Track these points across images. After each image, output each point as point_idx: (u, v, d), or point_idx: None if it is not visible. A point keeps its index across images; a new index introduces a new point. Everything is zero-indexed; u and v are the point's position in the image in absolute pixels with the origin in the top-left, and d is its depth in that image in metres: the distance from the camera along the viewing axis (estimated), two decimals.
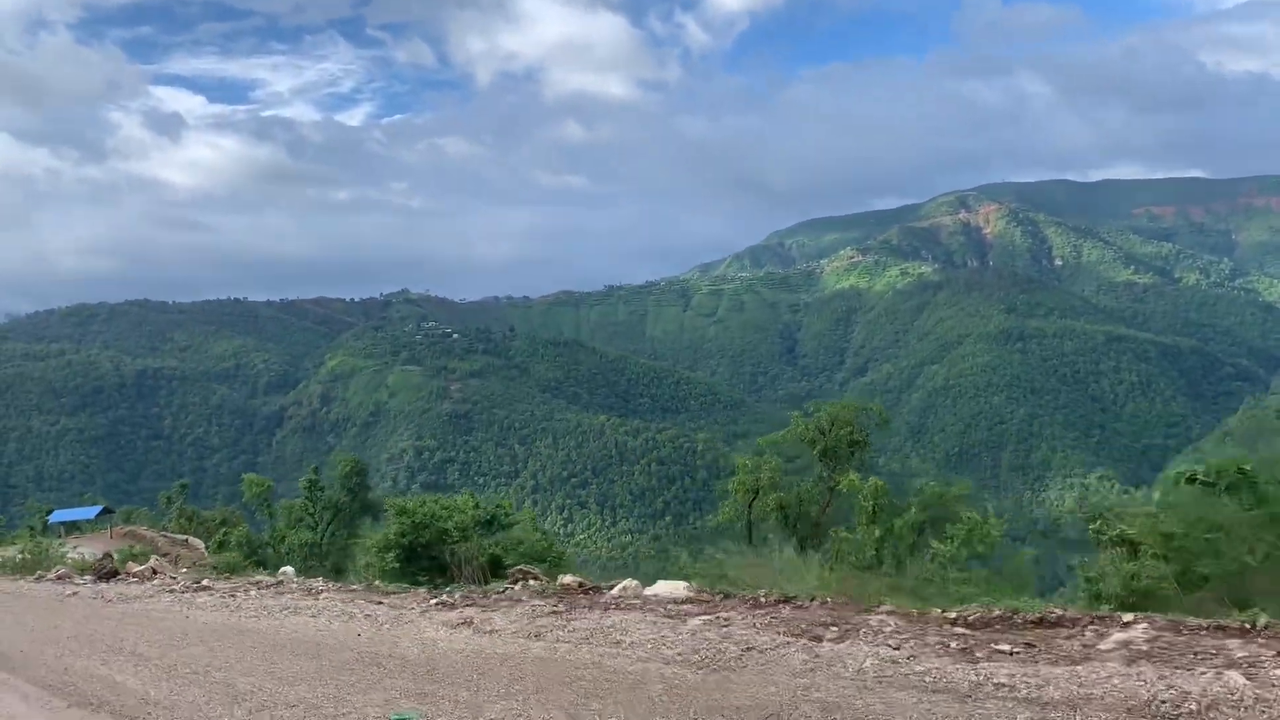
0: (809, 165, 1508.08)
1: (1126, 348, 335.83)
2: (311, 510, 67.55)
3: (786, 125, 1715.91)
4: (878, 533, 34.48)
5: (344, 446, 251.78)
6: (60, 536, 59.34)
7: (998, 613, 10.86)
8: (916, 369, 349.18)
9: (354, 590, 17.95)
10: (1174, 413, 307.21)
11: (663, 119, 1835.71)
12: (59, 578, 23.75)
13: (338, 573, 46.31)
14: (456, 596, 15.38)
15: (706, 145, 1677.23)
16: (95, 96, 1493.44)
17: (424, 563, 26.33)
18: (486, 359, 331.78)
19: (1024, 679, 7.56)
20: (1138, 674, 7.35)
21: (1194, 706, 6.69)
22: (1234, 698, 6.78)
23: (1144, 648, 8.06)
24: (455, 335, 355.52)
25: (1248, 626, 8.85)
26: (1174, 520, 12.75)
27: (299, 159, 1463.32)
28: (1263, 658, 7.66)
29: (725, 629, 10.39)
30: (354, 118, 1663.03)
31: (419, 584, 20.69)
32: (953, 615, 10.97)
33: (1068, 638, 8.75)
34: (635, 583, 14.71)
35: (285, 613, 15.16)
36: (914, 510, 35.53)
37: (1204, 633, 8.98)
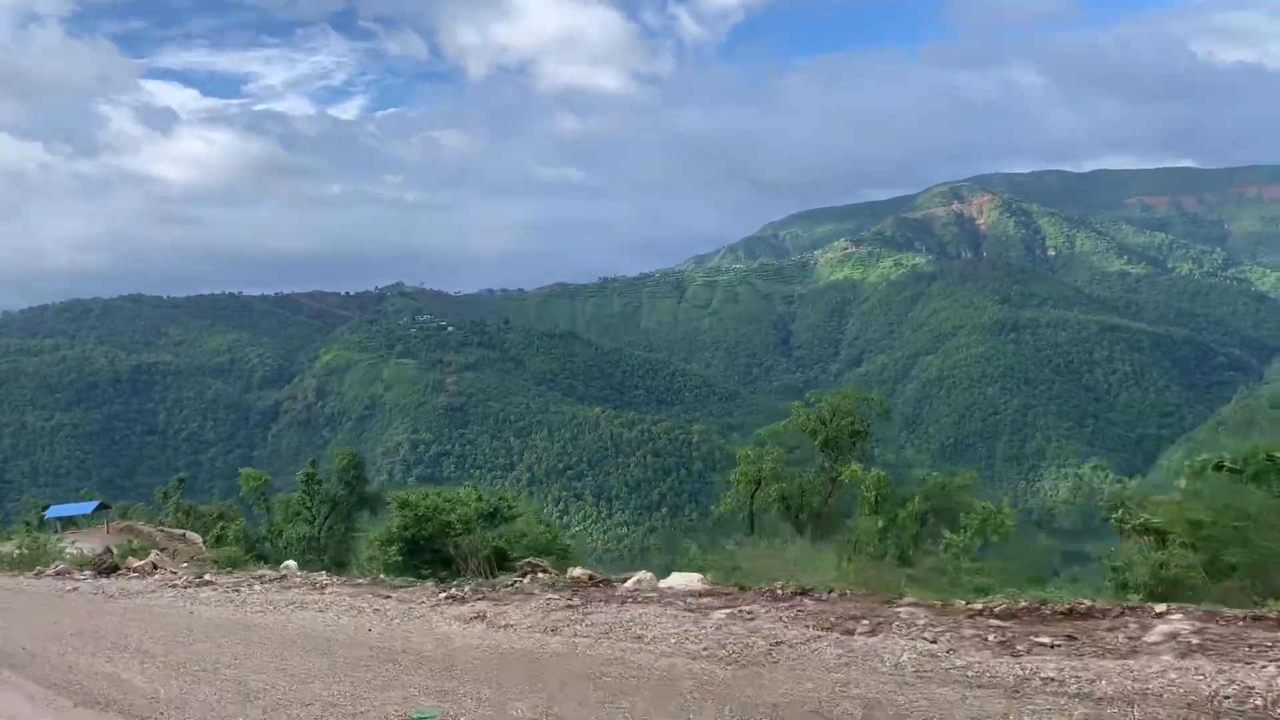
0: (802, 157, 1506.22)
1: (1120, 338, 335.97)
2: (309, 504, 67.31)
3: (780, 117, 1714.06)
4: (881, 523, 34.34)
5: (339, 440, 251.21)
6: (57, 532, 59.00)
7: (1024, 604, 10.58)
8: (911, 360, 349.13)
9: (360, 584, 17.65)
10: (1167, 402, 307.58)
11: (656, 111, 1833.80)
12: (58, 573, 23.42)
13: (337, 566, 46.06)
14: (466, 590, 15.08)
15: (700, 137, 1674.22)
16: (87, 91, 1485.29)
17: (427, 556, 26.06)
18: (481, 352, 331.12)
19: (1073, 673, 7.28)
20: (1195, 668, 7.07)
21: (1260, 702, 6.42)
22: None
23: (1194, 640, 7.78)
24: (450, 328, 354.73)
25: None
26: (1202, 508, 12.49)
27: (292, 153, 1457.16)
28: None
29: (750, 623, 10.11)
30: (347, 111, 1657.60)
31: (423, 577, 20.39)
32: (979, 606, 10.70)
33: (1110, 630, 8.47)
34: (650, 575, 14.42)
35: (291, 608, 14.86)
36: (917, 500, 35.39)
37: (1241, 623, 8.72)
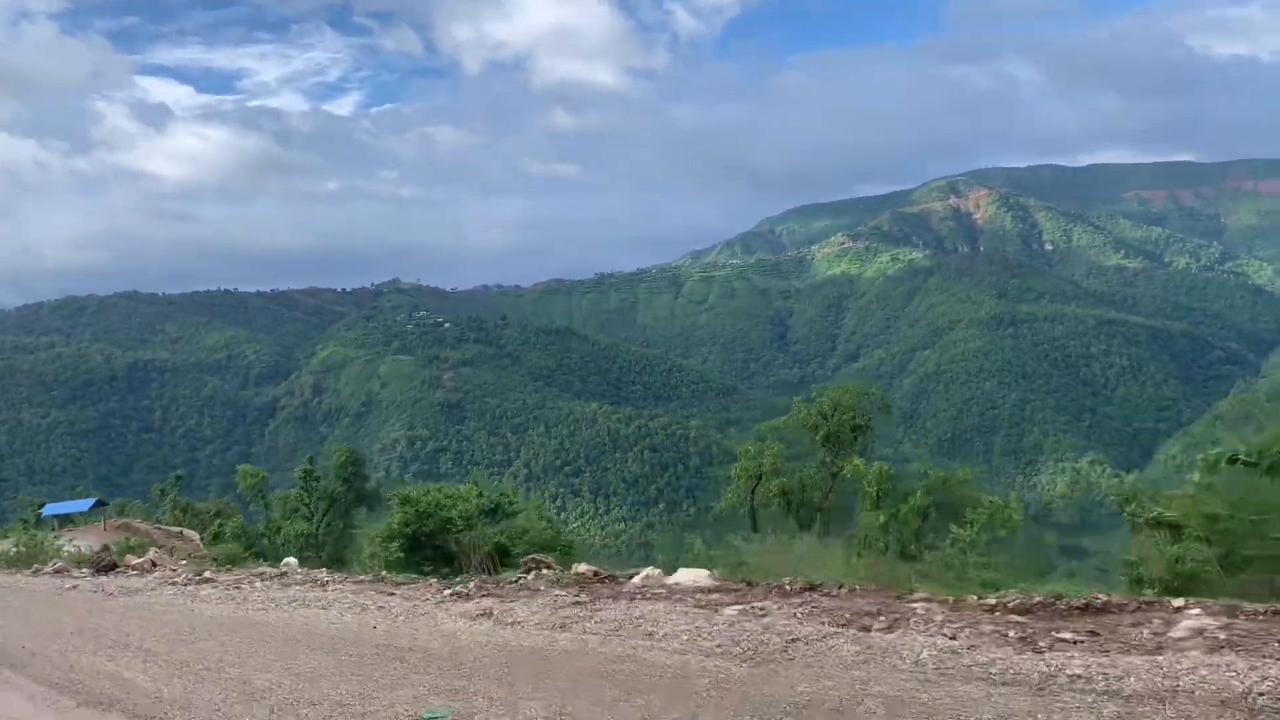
0: (799, 152, 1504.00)
1: (1117, 332, 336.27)
2: (307, 501, 67.18)
3: (776, 112, 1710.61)
4: (882, 518, 34.24)
5: (337, 437, 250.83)
6: (54, 529, 58.80)
7: (1039, 599, 10.44)
8: (908, 355, 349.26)
9: (362, 581, 17.48)
10: (1165, 396, 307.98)
11: (652, 107, 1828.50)
12: (57, 571, 23.25)
13: (335, 563, 45.89)
14: (471, 587, 14.92)
15: (696, 133, 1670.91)
16: (81, 88, 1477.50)
17: (429, 552, 25.96)
18: (478, 348, 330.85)
19: (1099, 670, 7.12)
20: (1226, 664, 6.91)
21: None
22: None
23: (1221, 636, 7.63)
24: (447, 324, 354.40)
25: None
26: (1217, 501, 12.34)
27: (287, 149, 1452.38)
28: None
29: (763, 619, 9.95)
30: (342, 107, 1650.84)
31: (425, 574, 20.25)
32: (993, 602, 10.56)
33: (1134, 625, 8.32)
34: (658, 571, 14.28)
35: (294, 605, 14.70)
36: (919, 495, 35.29)
37: (1263, 618, 8.58)
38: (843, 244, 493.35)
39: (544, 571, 16.69)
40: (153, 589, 18.11)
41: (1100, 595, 10.23)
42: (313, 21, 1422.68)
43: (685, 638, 9.66)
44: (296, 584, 17.43)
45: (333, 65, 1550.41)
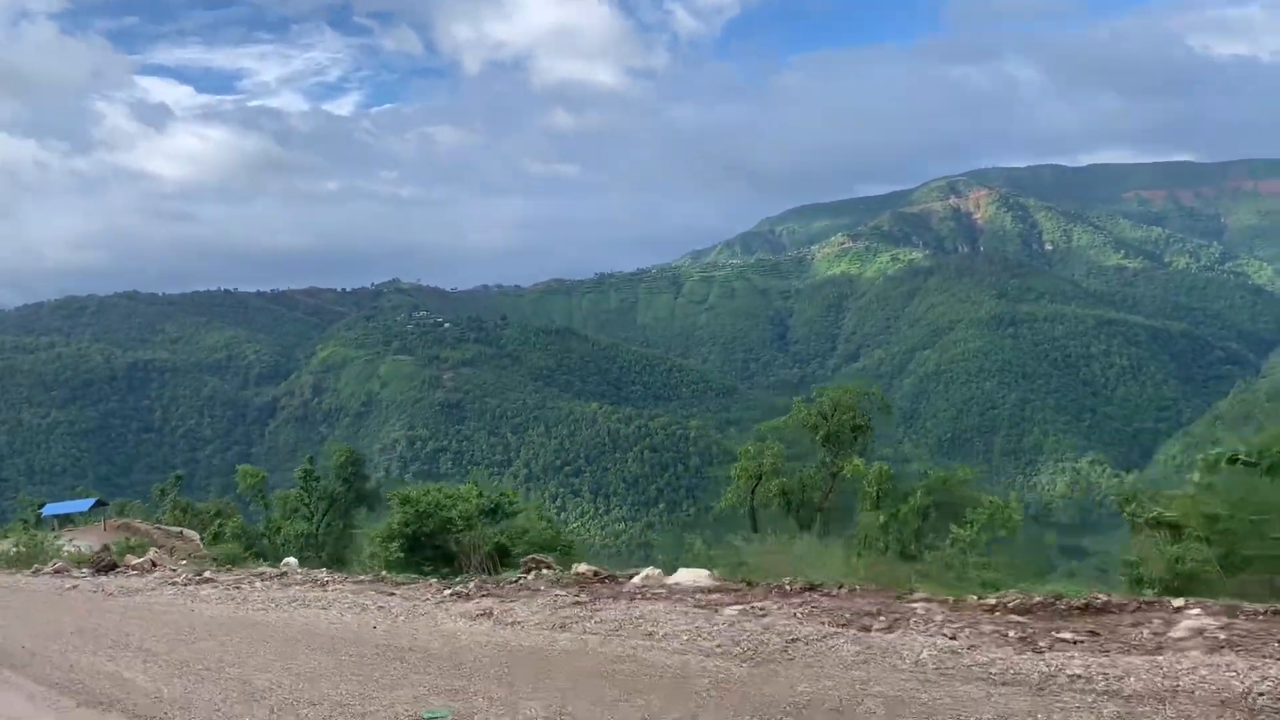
0: (799, 152, 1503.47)
1: (1117, 332, 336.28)
2: (307, 501, 67.17)
3: (776, 112, 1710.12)
4: (882, 518, 34.23)
5: (336, 437, 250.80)
6: (54, 529, 58.81)
7: (1039, 599, 10.44)
8: (908, 355, 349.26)
9: (362, 581, 17.48)
10: (1164, 396, 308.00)
11: (652, 107, 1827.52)
12: (56, 571, 23.25)
13: (335, 563, 45.87)
14: (471, 587, 14.92)
15: (696, 133, 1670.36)
16: (81, 88, 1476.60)
17: (429, 552, 25.95)
18: (478, 348, 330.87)
19: (1099, 670, 7.12)
20: (1226, 664, 6.91)
21: None
22: None
23: (1221, 636, 7.63)
24: (447, 324, 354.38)
25: None
26: (1218, 501, 12.34)
27: (287, 149, 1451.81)
28: None
29: (763, 619, 9.95)
30: (342, 107, 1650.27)
31: (425, 574, 20.25)
32: (992, 602, 10.56)
33: (1134, 625, 8.32)
34: (658, 571, 14.28)
35: (294, 605, 14.70)
36: (919, 495, 35.29)
37: (1263, 618, 8.58)
38: (843, 244, 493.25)
39: (544, 571, 16.69)
40: (153, 589, 18.11)
41: (1100, 595, 10.23)
42: (313, 21, 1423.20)
43: (685, 638, 9.67)
44: (296, 584, 17.42)
45: (333, 65, 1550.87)
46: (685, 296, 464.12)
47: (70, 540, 39.34)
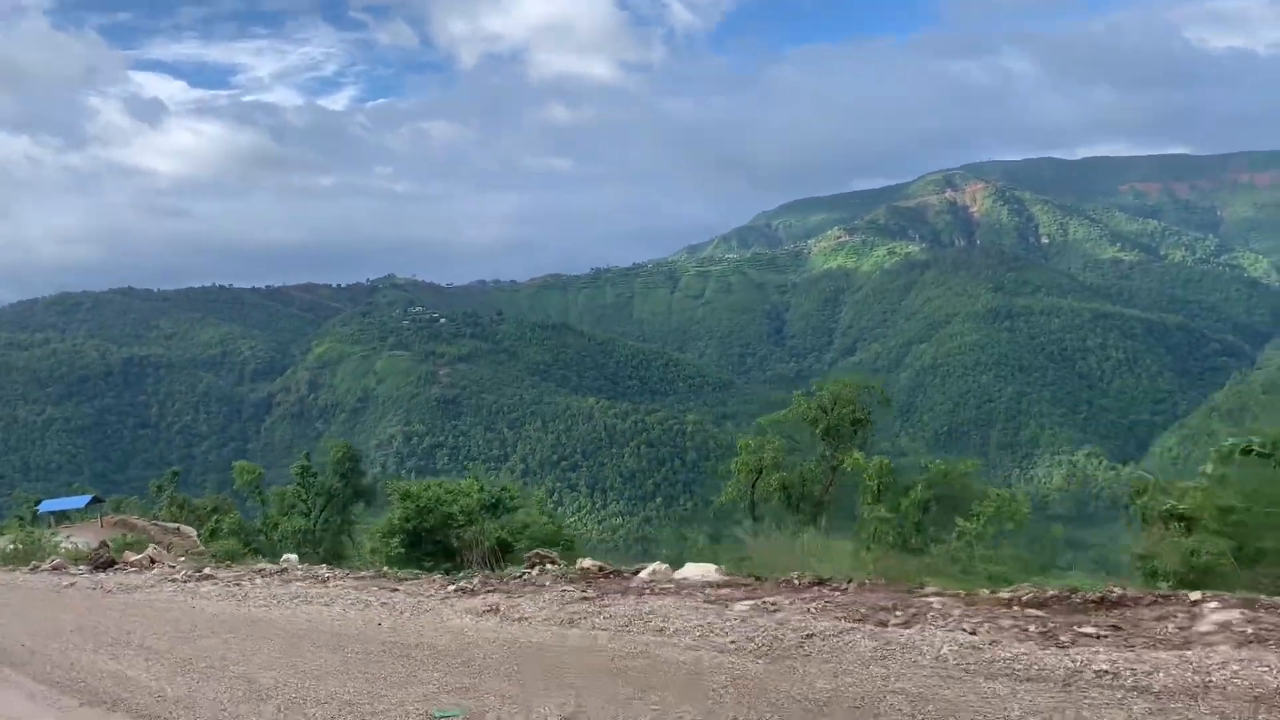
0: (795, 146, 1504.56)
1: (1113, 325, 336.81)
2: (304, 496, 67.07)
3: (772, 106, 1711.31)
4: (883, 511, 34.14)
5: (333, 433, 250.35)
6: (50, 526, 58.64)
7: (1052, 592, 10.29)
8: (905, 348, 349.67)
9: (364, 577, 17.30)
10: (1160, 389, 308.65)
11: (648, 101, 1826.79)
12: (54, 568, 23.06)
13: (333, 558, 45.74)
14: (475, 582, 14.76)
15: (692, 127, 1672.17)
16: (75, 83, 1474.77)
17: (429, 548, 25.83)
18: (474, 343, 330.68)
19: (1126, 665, 6.97)
20: (1257, 659, 6.75)
21: None
22: None
23: (1249, 630, 7.47)
24: (443, 320, 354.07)
25: None
26: (1231, 493, 12.20)
27: (282, 144, 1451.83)
28: None
29: (776, 614, 9.79)
30: (337, 102, 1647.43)
31: (426, 569, 20.11)
32: (1006, 596, 10.41)
33: (1158, 619, 8.17)
34: (665, 566, 14.12)
35: (296, 602, 14.52)
36: (920, 488, 35.20)
37: None
38: (839, 238, 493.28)
39: (548, 567, 16.52)
40: (152, 586, 17.93)
41: (1116, 588, 10.08)
42: (307, 16, 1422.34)
43: (697, 633, 9.51)
44: (298, 580, 17.24)
45: (327, 60, 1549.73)
46: (681, 291, 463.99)
47: (67, 537, 39.19)
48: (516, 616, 11.44)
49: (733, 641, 9.04)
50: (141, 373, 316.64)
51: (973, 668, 7.40)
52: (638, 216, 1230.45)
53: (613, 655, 9.22)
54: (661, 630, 9.89)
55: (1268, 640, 7.20)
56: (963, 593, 10.78)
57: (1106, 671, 6.92)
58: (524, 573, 16.05)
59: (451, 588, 14.38)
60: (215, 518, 67.62)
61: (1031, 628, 8.27)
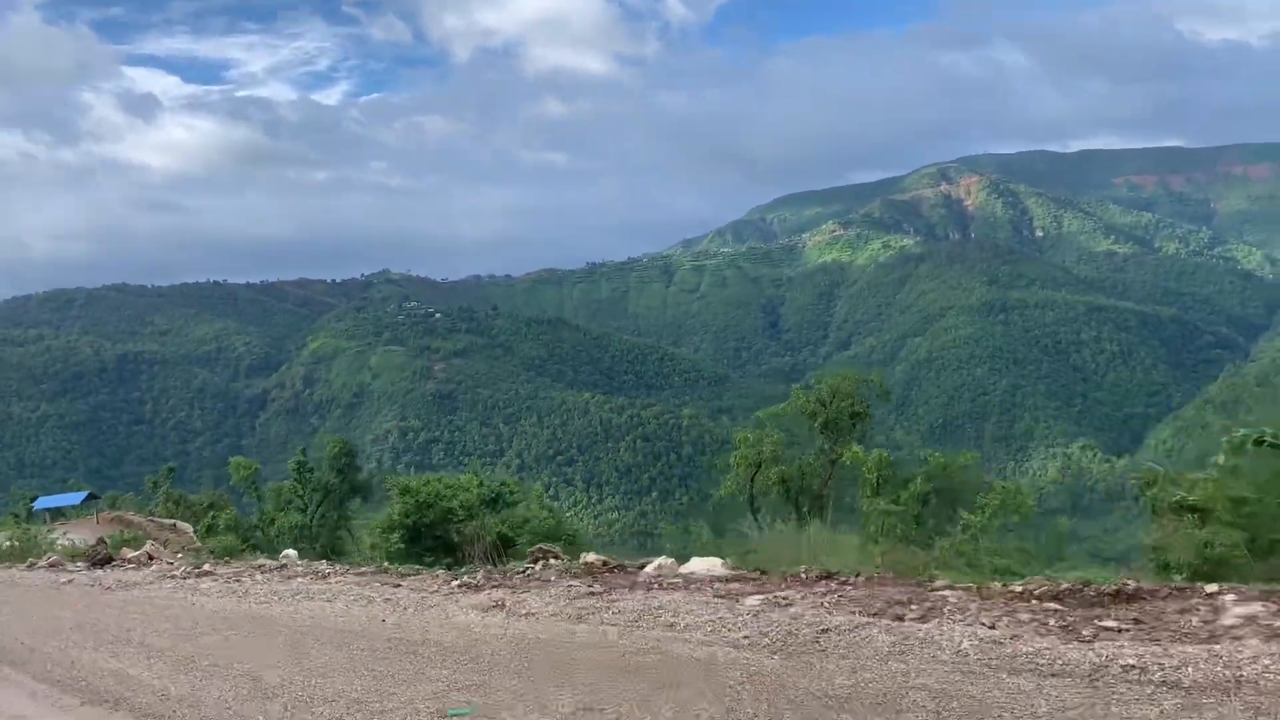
0: (789, 139, 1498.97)
1: (1107, 317, 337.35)
2: (301, 492, 66.90)
3: (766, 99, 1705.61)
4: (882, 504, 34.03)
5: (328, 428, 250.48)
6: (46, 523, 58.43)
7: (1066, 586, 10.15)
8: (899, 342, 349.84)
9: (365, 573, 17.14)
10: (1154, 381, 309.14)
11: (642, 95, 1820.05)
12: (51, 565, 22.89)
13: (331, 554, 45.59)
14: (479, 578, 14.59)
15: (686, 120, 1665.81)
16: (67, 78, 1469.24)
17: (429, 543, 25.67)
18: (469, 338, 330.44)
19: (1154, 660, 6.83)
20: None
21: None
22: None
23: (1276, 623, 7.34)
24: (438, 315, 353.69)
25: None
26: (1244, 484, 12.10)
27: (276, 139, 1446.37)
28: None
29: (789, 609, 9.65)
30: (331, 97, 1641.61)
31: (427, 564, 19.98)
32: (1019, 589, 10.28)
33: (1180, 612, 8.03)
34: (671, 561, 13.96)
35: (298, 598, 14.36)
36: (919, 481, 35.10)
37: None
38: (834, 231, 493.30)
39: (552, 561, 16.37)
40: (151, 582, 17.77)
41: (1130, 581, 9.95)
42: (300, 10, 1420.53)
43: (709, 629, 9.37)
44: (298, 576, 17.07)
45: (320, 54, 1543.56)
46: (677, 285, 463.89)
47: (64, 534, 39.02)
48: (523, 612, 11.29)
49: (746, 637, 8.89)
50: (136, 369, 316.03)
51: (995, 663, 7.27)
52: (632, 210, 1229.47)
53: (624, 651, 9.07)
54: (672, 625, 9.74)
55: None
56: (975, 586, 10.65)
57: (1133, 666, 6.78)
58: (527, 568, 15.89)
59: (455, 583, 14.22)
60: (211, 514, 67.48)
61: (1051, 621, 8.13)
